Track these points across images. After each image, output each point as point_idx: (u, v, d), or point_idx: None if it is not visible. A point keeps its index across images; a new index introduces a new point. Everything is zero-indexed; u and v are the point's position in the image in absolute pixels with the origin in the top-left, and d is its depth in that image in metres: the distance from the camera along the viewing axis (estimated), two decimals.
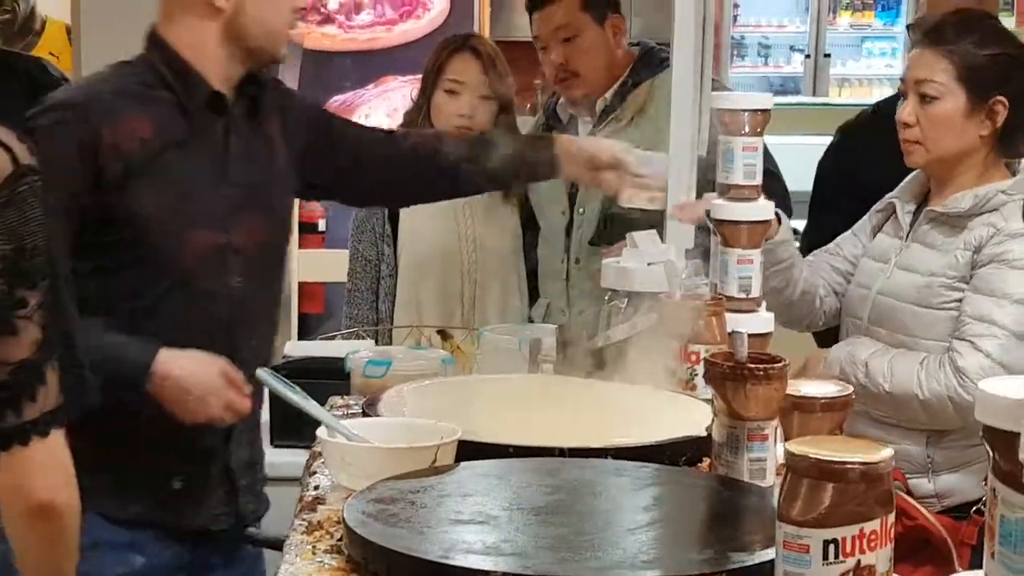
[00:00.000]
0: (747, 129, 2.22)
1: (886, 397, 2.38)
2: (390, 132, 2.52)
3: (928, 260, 2.45)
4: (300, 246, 5.39)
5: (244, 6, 2.02)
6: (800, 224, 4.92)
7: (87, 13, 4.58)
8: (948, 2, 3.03)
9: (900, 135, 2.46)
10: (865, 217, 2.70)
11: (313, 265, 5.35)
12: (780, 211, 2.37)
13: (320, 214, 5.85)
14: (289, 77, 5.66)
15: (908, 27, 2.59)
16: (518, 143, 2.45)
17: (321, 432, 1.71)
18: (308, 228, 5.65)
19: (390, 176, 2.33)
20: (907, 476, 2.40)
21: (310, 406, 1.75)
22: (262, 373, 1.73)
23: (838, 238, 2.70)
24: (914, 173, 2.58)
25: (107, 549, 1.92)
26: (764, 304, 2.25)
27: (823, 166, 3.30)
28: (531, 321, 2.99)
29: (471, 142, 2.41)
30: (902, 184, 2.61)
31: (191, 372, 1.88)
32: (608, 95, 2.94)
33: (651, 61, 2.99)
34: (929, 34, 2.45)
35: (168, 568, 1.99)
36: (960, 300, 2.38)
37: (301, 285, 5.29)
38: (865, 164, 2.98)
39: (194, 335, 1.96)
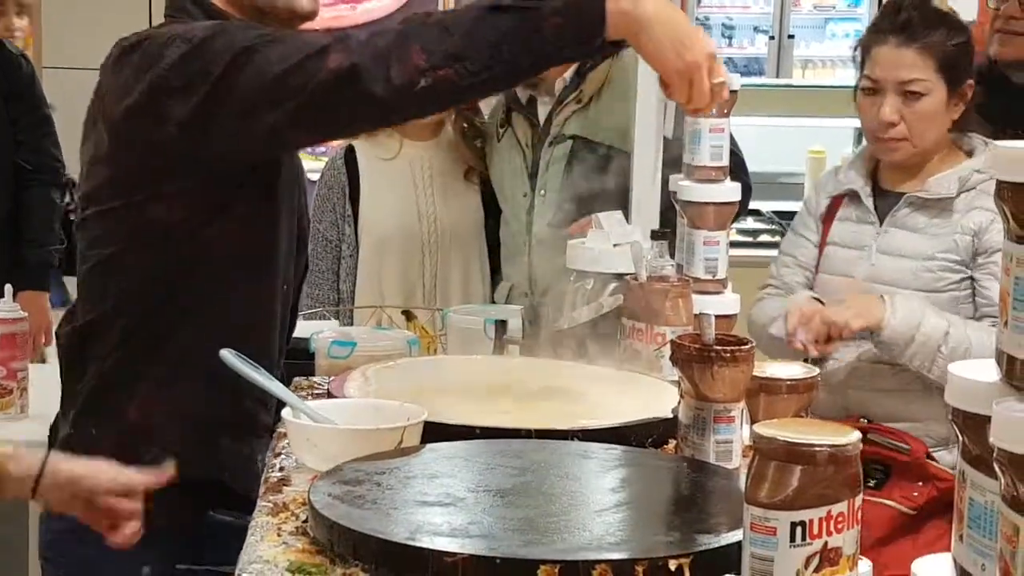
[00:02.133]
0: (714, 110, 2.21)
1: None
2: None
3: (917, 244, 2.49)
4: None
5: None
6: (764, 205, 4.98)
7: None
8: None
9: (880, 135, 2.50)
10: (801, 211, 2.73)
11: None
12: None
13: None
14: None
15: (871, 26, 2.63)
16: None
17: (286, 413, 1.69)
18: None
19: None
20: (931, 449, 2.46)
21: (274, 387, 1.73)
22: (226, 354, 1.71)
23: (784, 247, 2.72)
24: (857, 154, 2.62)
25: None
26: (730, 286, 2.25)
27: None
28: (494, 303, 2.98)
29: None
30: (847, 169, 2.63)
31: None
32: (567, 75, 2.92)
33: None
34: (900, 32, 2.48)
35: None
36: (960, 281, 2.45)
37: None
38: None
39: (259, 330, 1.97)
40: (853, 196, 2.60)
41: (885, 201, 2.57)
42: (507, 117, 3.00)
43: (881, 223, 2.55)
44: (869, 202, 2.56)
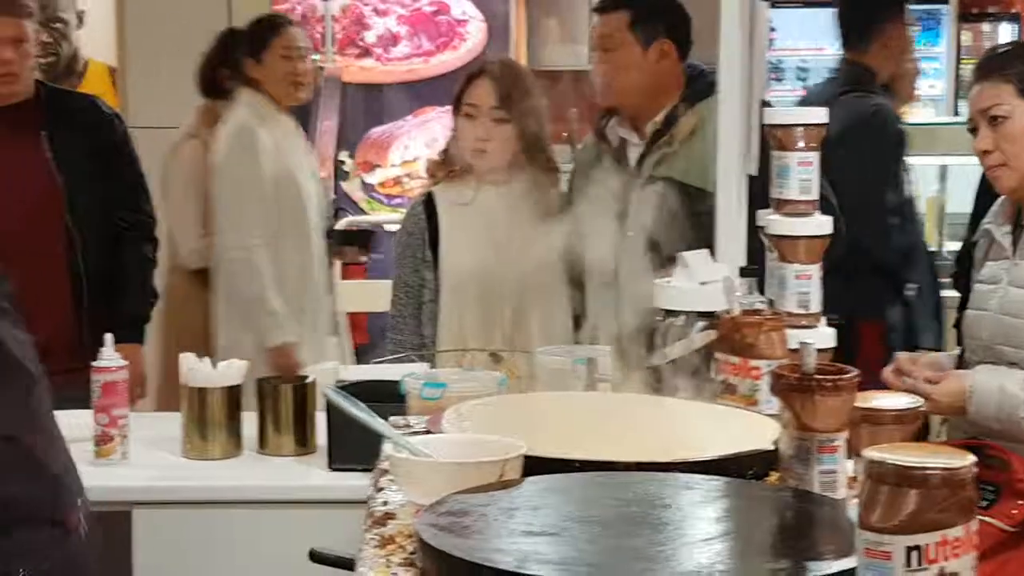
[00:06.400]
0: (802, 144, 2.22)
1: None
2: None
3: None
4: (343, 276, 5.41)
5: None
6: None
7: (134, 54, 4.65)
8: None
9: (983, 165, 2.61)
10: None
11: (357, 295, 5.37)
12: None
13: None
14: (330, 110, 5.71)
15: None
16: None
17: (388, 448, 1.71)
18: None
19: None
20: None
21: (376, 423, 1.75)
22: (328, 391, 1.74)
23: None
24: (999, 201, 2.65)
25: None
26: (824, 320, 2.24)
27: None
28: (578, 343, 2.99)
29: None
30: (989, 213, 2.69)
31: None
32: (658, 118, 2.95)
33: (702, 84, 2.99)
34: (982, 69, 2.64)
35: None
36: None
37: (347, 316, 5.31)
38: None
39: None
40: (992, 237, 2.67)
41: (1020, 235, 2.62)
42: (597, 159, 3.03)
43: (1014, 255, 2.59)
44: (1003, 239, 2.63)
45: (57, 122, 3.44)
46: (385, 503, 1.69)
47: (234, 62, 4.03)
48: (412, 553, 1.47)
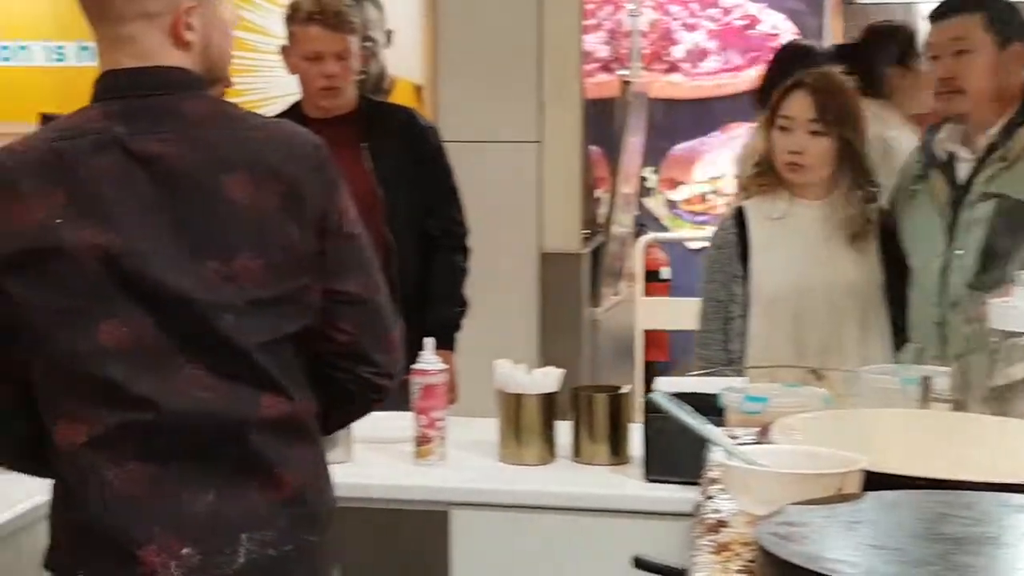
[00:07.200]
0: None
1: None
2: None
3: None
4: (645, 294, 5.41)
5: (210, 38, 1.91)
6: None
7: (444, 71, 4.78)
8: None
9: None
10: None
11: (658, 313, 5.35)
12: None
13: (663, 262, 5.86)
14: (636, 125, 5.72)
15: None
16: None
17: (721, 457, 1.67)
18: (651, 276, 5.67)
19: None
20: None
21: (708, 430, 1.71)
22: (657, 397, 1.71)
23: None
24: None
25: None
26: None
27: None
28: (897, 364, 2.87)
29: None
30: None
31: None
32: (994, 130, 2.81)
33: None
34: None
35: None
36: None
37: (647, 333, 5.31)
38: None
39: None
40: None
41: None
42: (923, 174, 2.91)
43: None
44: None
45: (377, 134, 3.56)
46: (716, 511, 1.66)
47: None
48: (750, 561, 1.43)
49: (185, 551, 1.73)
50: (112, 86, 1.85)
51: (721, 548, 1.50)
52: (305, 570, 1.81)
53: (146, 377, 1.75)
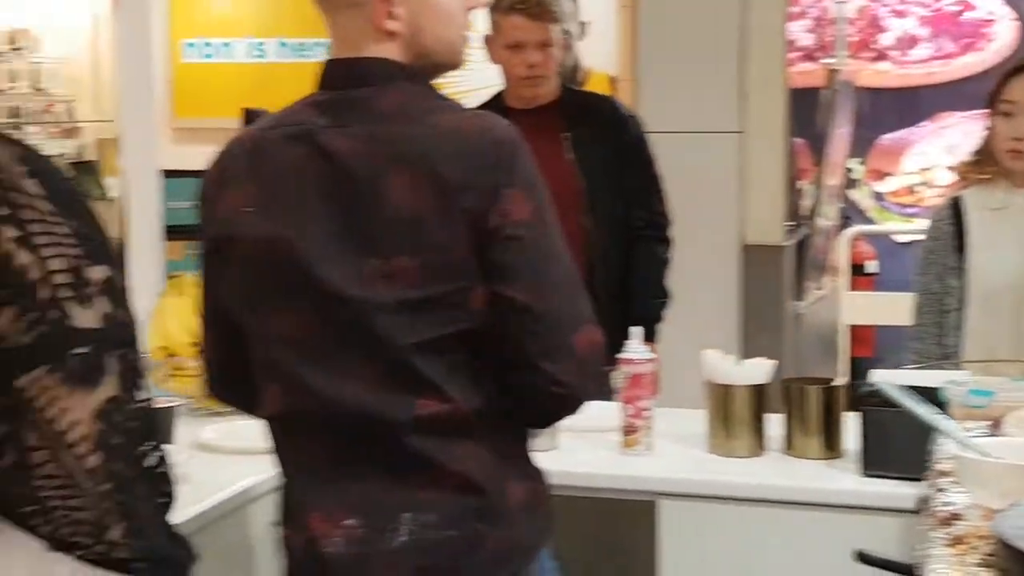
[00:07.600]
0: None
1: None
2: None
3: None
4: (850, 288, 5.27)
5: (420, 25, 1.85)
6: None
7: (646, 62, 4.74)
8: None
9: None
10: None
11: (863, 308, 5.22)
12: None
13: (869, 255, 5.71)
14: (842, 115, 5.59)
15: None
16: None
17: (954, 449, 1.60)
18: (857, 270, 5.53)
19: None
20: None
21: (941, 422, 1.64)
22: (886, 387, 1.65)
23: None
24: None
25: None
26: None
27: None
28: None
29: None
30: None
31: None
32: None
33: None
34: None
35: None
36: None
37: (851, 328, 5.17)
38: None
39: None
40: None
41: None
42: None
43: None
44: None
45: (578, 124, 3.54)
46: (948, 504, 1.59)
47: None
48: (989, 555, 1.37)
49: (348, 522, 1.77)
50: (322, 77, 1.87)
51: (956, 541, 1.44)
52: (478, 560, 1.79)
53: (310, 368, 1.79)
